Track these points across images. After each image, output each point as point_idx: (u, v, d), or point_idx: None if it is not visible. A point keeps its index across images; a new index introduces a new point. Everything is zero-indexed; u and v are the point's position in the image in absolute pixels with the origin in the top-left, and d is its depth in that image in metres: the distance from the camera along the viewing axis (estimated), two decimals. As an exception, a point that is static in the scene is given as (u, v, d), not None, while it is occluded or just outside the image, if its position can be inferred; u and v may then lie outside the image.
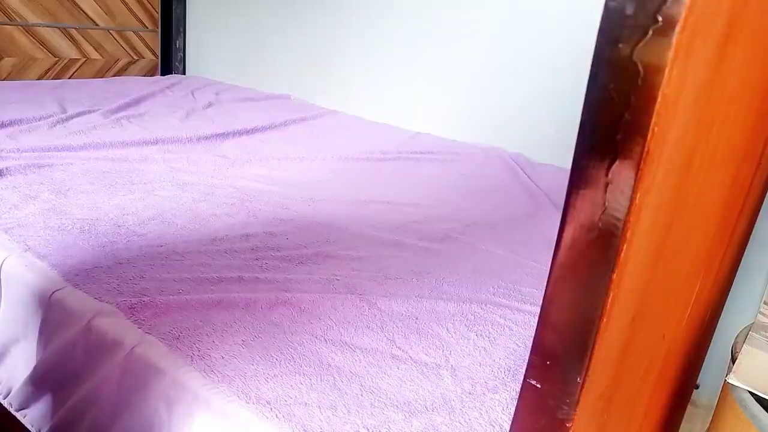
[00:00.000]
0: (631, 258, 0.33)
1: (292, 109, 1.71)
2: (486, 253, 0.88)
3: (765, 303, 0.85)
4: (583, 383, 0.35)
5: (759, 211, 0.54)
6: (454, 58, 1.59)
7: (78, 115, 1.37)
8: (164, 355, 0.58)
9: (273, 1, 1.97)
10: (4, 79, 1.75)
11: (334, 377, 0.56)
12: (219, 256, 0.77)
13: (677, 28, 0.27)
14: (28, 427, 0.73)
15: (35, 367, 0.70)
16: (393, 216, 0.99)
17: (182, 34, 2.16)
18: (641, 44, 0.28)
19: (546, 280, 0.36)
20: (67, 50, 1.88)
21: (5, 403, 0.74)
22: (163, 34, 2.12)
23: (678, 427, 0.66)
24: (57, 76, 1.88)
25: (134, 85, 1.78)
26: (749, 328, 0.80)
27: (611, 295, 0.33)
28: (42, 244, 0.75)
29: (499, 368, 0.61)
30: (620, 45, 0.29)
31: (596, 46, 0.30)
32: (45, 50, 1.83)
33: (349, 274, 0.77)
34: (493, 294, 0.75)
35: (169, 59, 2.14)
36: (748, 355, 0.73)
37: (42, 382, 0.70)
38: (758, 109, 0.43)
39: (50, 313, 0.67)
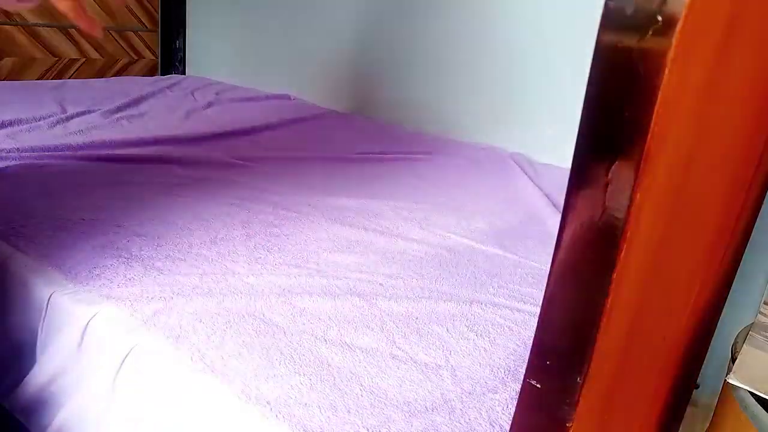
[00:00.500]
0: (631, 258, 0.33)
1: (292, 109, 1.71)
2: (486, 253, 0.88)
3: (765, 303, 0.85)
4: (583, 383, 0.35)
5: (759, 211, 0.53)
6: (453, 57, 1.59)
7: (78, 115, 1.37)
8: (164, 355, 0.58)
9: (273, 1, 1.97)
10: (4, 79, 1.76)
11: (334, 377, 0.56)
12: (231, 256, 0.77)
13: (677, 28, 0.27)
14: (28, 426, 0.73)
15: (32, 368, 0.70)
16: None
17: (182, 34, 2.16)
18: (641, 44, 0.28)
19: (546, 280, 0.36)
20: (67, 50, 1.88)
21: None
22: (163, 34, 2.12)
23: (678, 427, 0.66)
24: (57, 76, 1.88)
25: (134, 85, 1.78)
26: (749, 328, 0.80)
27: (611, 295, 0.33)
28: (42, 245, 0.75)
29: (499, 368, 0.61)
30: (620, 45, 0.29)
31: (596, 46, 0.30)
32: (45, 50, 1.83)
33: (352, 276, 0.77)
34: (493, 294, 0.75)
35: (169, 59, 2.14)
36: (748, 355, 0.73)
37: (39, 382, 0.70)
38: (758, 109, 0.43)
39: (48, 313, 0.67)
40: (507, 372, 0.60)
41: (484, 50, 1.53)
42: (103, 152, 1.14)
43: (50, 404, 0.69)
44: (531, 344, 0.38)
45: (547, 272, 0.36)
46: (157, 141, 1.25)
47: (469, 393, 0.56)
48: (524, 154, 1.44)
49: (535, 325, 0.37)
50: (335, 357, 0.59)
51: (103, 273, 0.71)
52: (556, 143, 1.41)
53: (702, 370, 0.65)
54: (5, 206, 0.84)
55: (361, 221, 0.94)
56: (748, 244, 0.56)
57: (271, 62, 2.04)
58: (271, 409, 0.51)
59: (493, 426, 0.53)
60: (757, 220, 0.54)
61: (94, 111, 1.41)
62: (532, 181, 1.25)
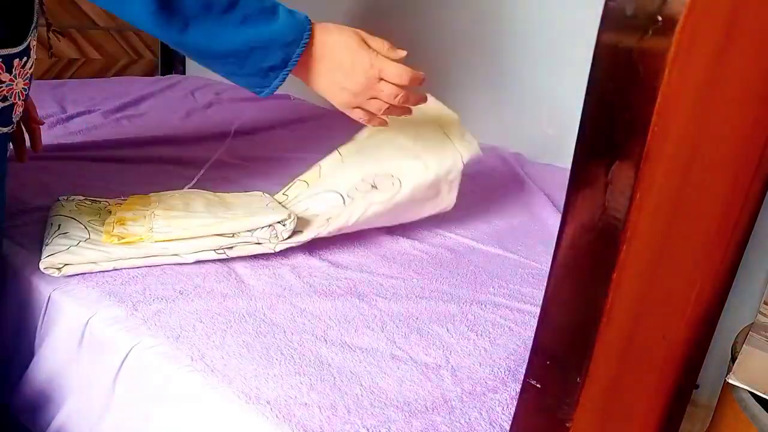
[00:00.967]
0: (631, 258, 0.33)
1: (292, 109, 1.71)
2: (486, 253, 0.88)
3: (765, 303, 0.85)
4: (583, 383, 0.35)
5: (759, 211, 0.53)
6: (453, 57, 1.59)
7: (78, 115, 1.37)
8: (164, 354, 0.58)
9: (273, 1, 1.97)
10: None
11: (334, 377, 0.56)
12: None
13: (677, 28, 0.27)
14: (28, 425, 0.73)
15: (32, 366, 0.70)
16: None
17: (182, 34, 2.16)
18: (641, 44, 0.28)
19: (546, 280, 0.36)
20: (67, 50, 1.88)
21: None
22: (163, 34, 2.12)
23: (678, 427, 0.66)
24: (57, 76, 1.87)
25: (134, 85, 1.77)
26: (749, 328, 0.80)
27: (611, 295, 0.33)
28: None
29: (499, 368, 0.61)
30: (620, 45, 0.29)
31: (596, 46, 0.30)
32: (45, 50, 1.82)
33: (352, 276, 0.77)
34: (493, 294, 0.75)
35: (169, 59, 2.13)
36: (748, 355, 0.73)
37: (39, 381, 0.70)
38: (758, 109, 0.43)
39: (48, 311, 0.67)
40: (507, 372, 0.60)
41: (484, 50, 1.53)
42: (103, 152, 1.14)
43: (50, 403, 0.69)
44: (531, 344, 0.38)
45: (547, 272, 0.36)
46: (157, 141, 1.25)
47: (469, 393, 0.56)
48: (524, 154, 1.44)
49: (535, 325, 0.37)
50: (335, 357, 0.59)
51: (106, 271, 0.70)
52: (556, 143, 1.41)
53: (702, 370, 0.65)
54: (6, 205, 0.84)
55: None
56: (748, 244, 0.56)
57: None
58: (271, 409, 0.51)
59: (493, 426, 0.53)
60: (757, 220, 0.54)
61: (94, 111, 1.41)
62: (532, 181, 1.25)
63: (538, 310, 0.37)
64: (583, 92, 0.31)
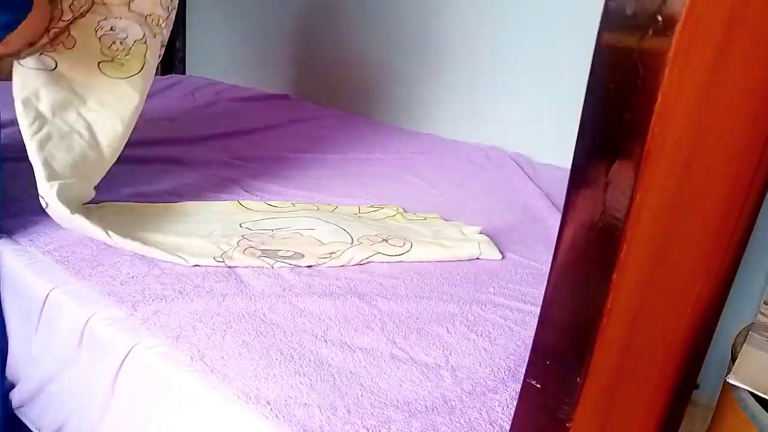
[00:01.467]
0: (631, 258, 0.33)
1: (292, 109, 1.71)
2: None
3: (765, 303, 0.85)
4: (583, 383, 0.35)
5: (759, 211, 0.54)
6: (453, 57, 1.59)
7: (78, 115, 1.37)
8: (164, 354, 0.58)
9: (273, 0, 1.97)
10: (4, 79, 1.75)
11: (334, 377, 0.56)
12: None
13: (677, 28, 0.27)
14: (28, 425, 0.73)
15: (32, 366, 0.70)
16: (393, 216, 0.99)
17: (182, 34, 2.16)
18: (641, 44, 0.28)
19: (546, 280, 0.36)
20: (67, 50, 1.88)
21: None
22: (163, 34, 2.12)
23: (678, 427, 0.66)
24: (57, 76, 1.87)
25: (134, 85, 1.77)
26: (749, 328, 0.80)
27: (611, 295, 0.33)
28: (43, 242, 0.75)
29: (499, 368, 0.61)
30: (620, 45, 0.29)
31: (596, 46, 0.30)
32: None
33: (352, 276, 0.77)
34: (493, 294, 0.75)
35: (169, 59, 2.13)
36: (748, 355, 0.73)
37: (39, 381, 0.70)
38: (758, 109, 0.43)
39: (47, 310, 0.67)
40: (507, 372, 0.60)
41: (484, 50, 1.53)
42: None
43: (50, 403, 0.69)
44: (531, 344, 0.38)
45: (547, 272, 0.36)
46: (157, 141, 1.25)
47: (469, 393, 0.56)
48: (524, 154, 1.44)
49: (535, 325, 0.37)
50: (335, 357, 0.59)
51: (106, 271, 0.71)
52: (556, 143, 1.41)
53: (702, 370, 0.65)
54: (6, 203, 0.84)
55: (361, 221, 0.94)
56: (748, 244, 0.56)
57: (271, 62, 2.04)
58: (271, 409, 0.51)
59: (493, 426, 0.53)
60: (757, 220, 0.54)
61: (94, 111, 1.41)
62: (532, 181, 1.25)
63: (538, 310, 0.37)
64: (583, 92, 0.31)
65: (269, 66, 2.05)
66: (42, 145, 0.75)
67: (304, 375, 0.56)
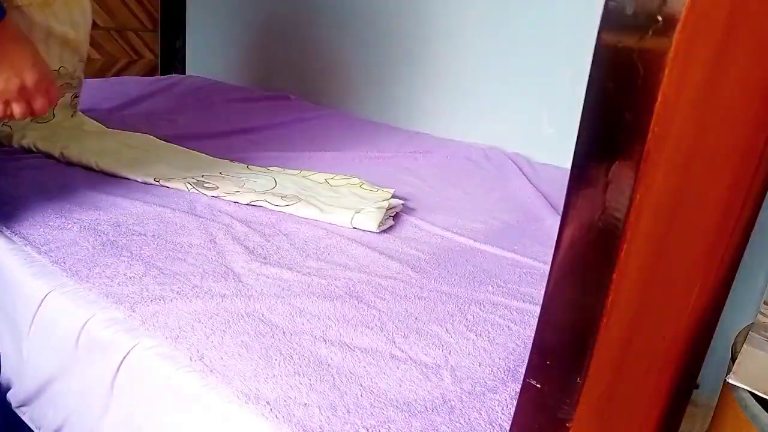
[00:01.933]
0: (631, 258, 0.33)
1: (292, 109, 1.71)
2: (485, 252, 0.88)
3: (765, 303, 0.85)
4: (583, 383, 0.35)
5: (759, 210, 0.53)
6: (453, 57, 1.59)
7: (78, 115, 1.37)
8: (163, 355, 0.58)
9: (273, 1, 1.97)
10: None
11: (334, 377, 0.56)
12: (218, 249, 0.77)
13: (677, 28, 0.27)
14: (28, 423, 0.73)
15: (32, 366, 0.70)
16: (393, 216, 0.99)
17: (182, 34, 2.16)
18: (641, 44, 0.28)
19: (546, 280, 0.36)
20: (67, 50, 1.88)
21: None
22: (163, 34, 2.12)
23: (678, 427, 0.66)
24: (57, 76, 1.87)
25: (134, 85, 1.77)
26: (749, 328, 0.80)
27: (611, 295, 0.33)
28: (42, 242, 0.75)
29: (499, 368, 0.61)
30: (620, 45, 0.29)
31: (596, 46, 0.30)
32: (45, 50, 1.82)
33: (351, 276, 0.77)
34: (493, 294, 0.75)
35: (169, 59, 2.13)
36: (748, 355, 0.73)
37: (39, 381, 0.70)
38: (758, 109, 0.43)
39: (45, 312, 0.67)
40: (507, 372, 0.60)
41: (484, 50, 1.53)
42: (103, 152, 1.13)
43: (50, 403, 0.69)
44: (531, 344, 0.38)
45: (547, 272, 0.36)
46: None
47: (469, 393, 0.56)
48: (523, 154, 1.44)
49: (535, 324, 0.37)
50: (335, 357, 0.59)
51: (104, 271, 0.70)
52: (556, 143, 1.41)
53: (702, 370, 0.65)
54: (5, 204, 0.84)
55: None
56: (748, 244, 0.56)
57: (271, 62, 2.04)
58: (270, 409, 0.51)
59: (493, 426, 0.53)
60: (757, 220, 0.54)
61: (94, 111, 1.41)
62: (530, 181, 1.25)
63: (537, 310, 0.37)
64: (583, 92, 0.31)
65: (269, 66, 2.05)
66: None
67: (303, 375, 0.56)
